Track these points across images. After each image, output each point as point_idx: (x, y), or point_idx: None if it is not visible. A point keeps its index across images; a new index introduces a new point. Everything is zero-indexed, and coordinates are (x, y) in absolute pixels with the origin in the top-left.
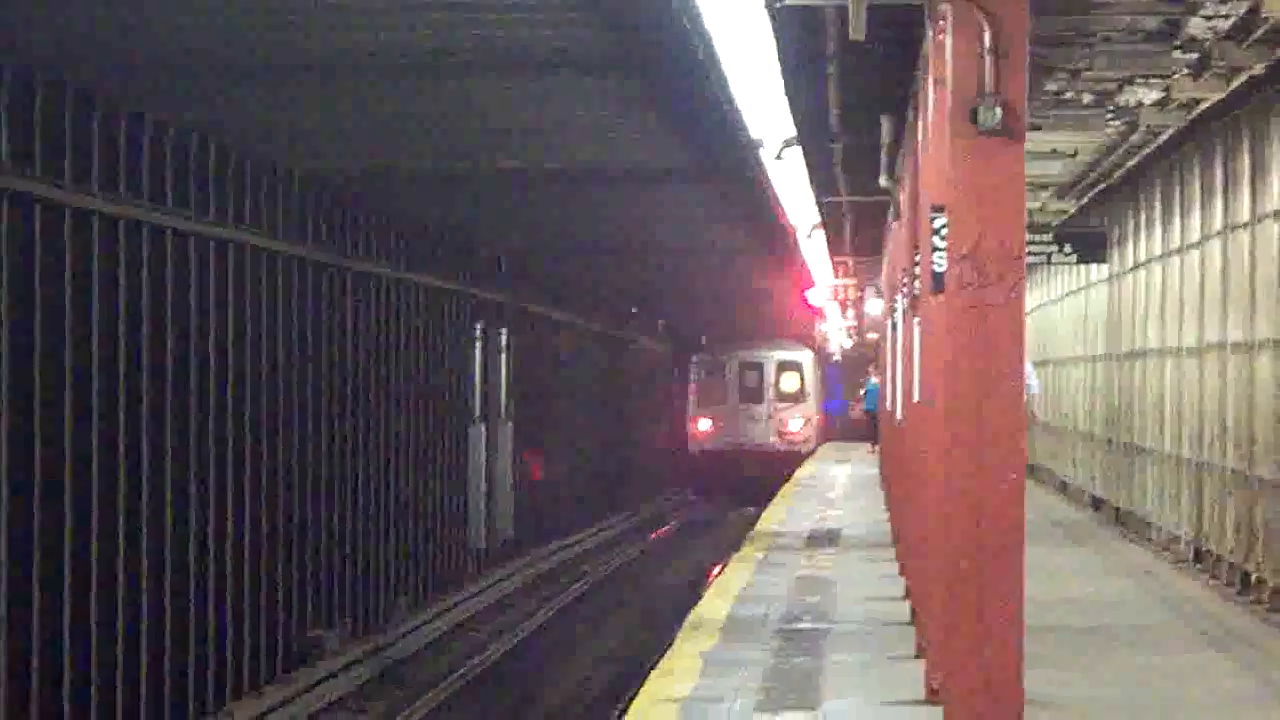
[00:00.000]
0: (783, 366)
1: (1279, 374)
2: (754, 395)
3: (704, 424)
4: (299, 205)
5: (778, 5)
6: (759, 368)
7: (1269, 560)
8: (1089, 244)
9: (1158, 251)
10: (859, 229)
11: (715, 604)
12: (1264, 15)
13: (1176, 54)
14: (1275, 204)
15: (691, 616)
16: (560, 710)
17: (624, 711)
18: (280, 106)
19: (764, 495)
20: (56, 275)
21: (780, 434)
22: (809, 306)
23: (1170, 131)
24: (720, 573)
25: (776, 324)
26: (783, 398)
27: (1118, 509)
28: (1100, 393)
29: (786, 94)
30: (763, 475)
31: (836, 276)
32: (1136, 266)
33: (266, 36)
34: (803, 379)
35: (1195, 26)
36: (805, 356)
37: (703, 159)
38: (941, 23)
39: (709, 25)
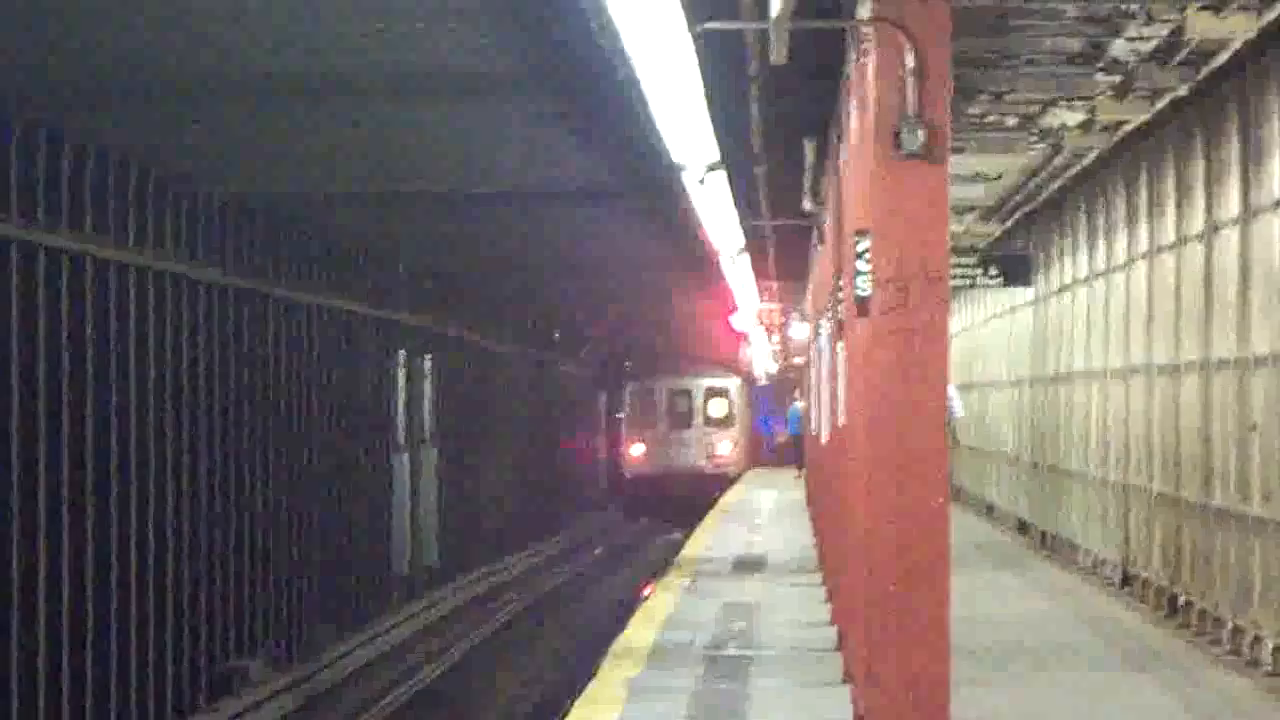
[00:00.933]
0: (711, 393)
1: (1204, 396)
2: (684, 421)
3: (636, 449)
4: (217, 230)
5: (699, 28)
6: (688, 394)
7: (1196, 584)
8: (1014, 267)
9: (1083, 274)
10: (784, 253)
11: (641, 631)
12: (1187, 37)
13: (1100, 76)
14: (1200, 226)
15: (617, 643)
16: None
17: None
18: (198, 129)
19: (694, 516)
20: None
21: (709, 457)
22: (734, 331)
23: (1094, 154)
24: (646, 599)
25: (701, 348)
26: (710, 423)
27: (1044, 533)
28: (1026, 416)
29: (710, 117)
30: (693, 496)
31: (762, 300)
32: (1062, 289)
33: (185, 59)
34: (730, 404)
35: (1118, 49)
36: (733, 383)
37: (625, 181)
38: (864, 45)
39: (629, 47)
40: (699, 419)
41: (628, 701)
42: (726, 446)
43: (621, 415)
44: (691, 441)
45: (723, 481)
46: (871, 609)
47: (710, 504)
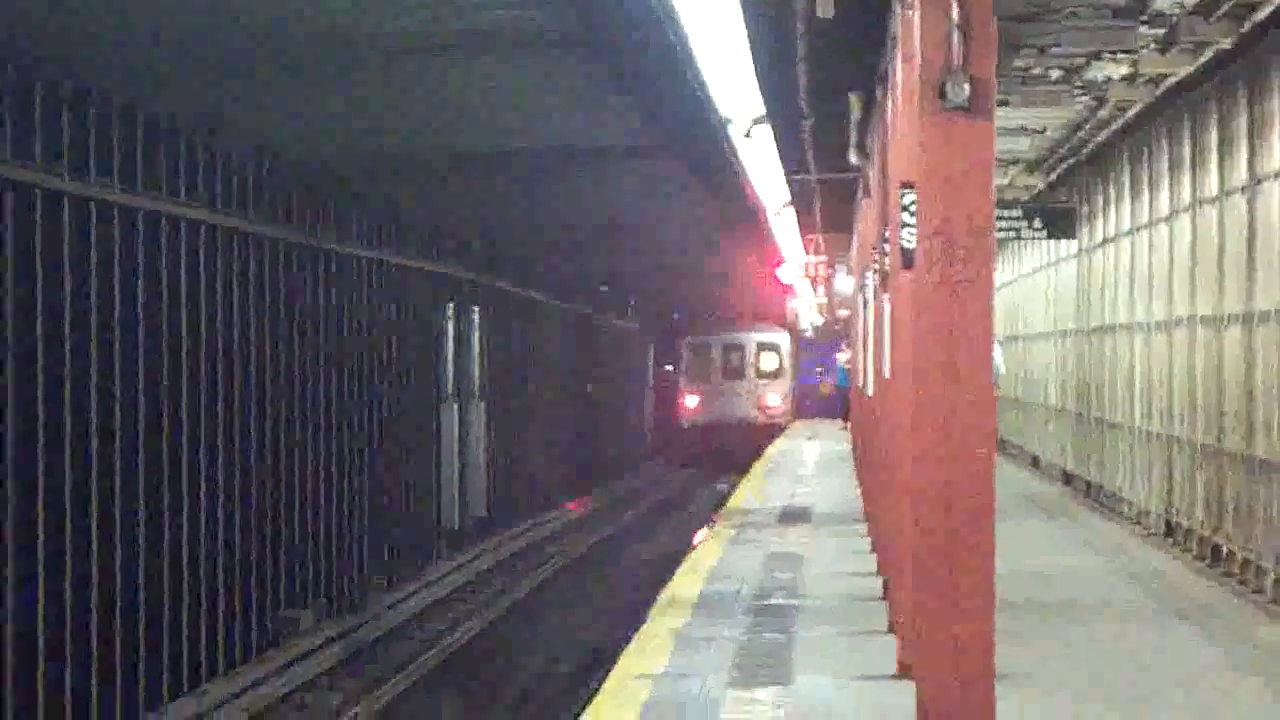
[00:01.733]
0: (762, 347)
1: (1248, 348)
2: (737, 373)
3: (692, 400)
4: (269, 186)
5: None
6: (741, 349)
7: (1238, 534)
8: (1058, 219)
9: (1126, 227)
10: (829, 206)
11: (687, 582)
12: None
13: (1143, 29)
14: (1243, 179)
15: (664, 594)
16: (534, 687)
17: (597, 688)
18: (249, 90)
19: (743, 464)
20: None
21: (760, 408)
22: (780, 284)
23: (1138, 107)
24: (692, 550)
25: (748, 303)
26: (762, 375)
27: (1088, 483)
28: (1070, 368)
29: (755, 72)
30: (744, 444)
31: (807, 253)
32: (1105, 241)
33: (241, 20)
34: (780, 358)
35: (1162, 1)
36: (782, 338)
37: (672, 137)
38: None
39: (675, 2)
40: (751, 372)
41: (674, 651)
42: (776, 399)
43: (676, 369)
44: (744, 393)
45: (773, 430)
46: (916, 560)
47: (757, 453)
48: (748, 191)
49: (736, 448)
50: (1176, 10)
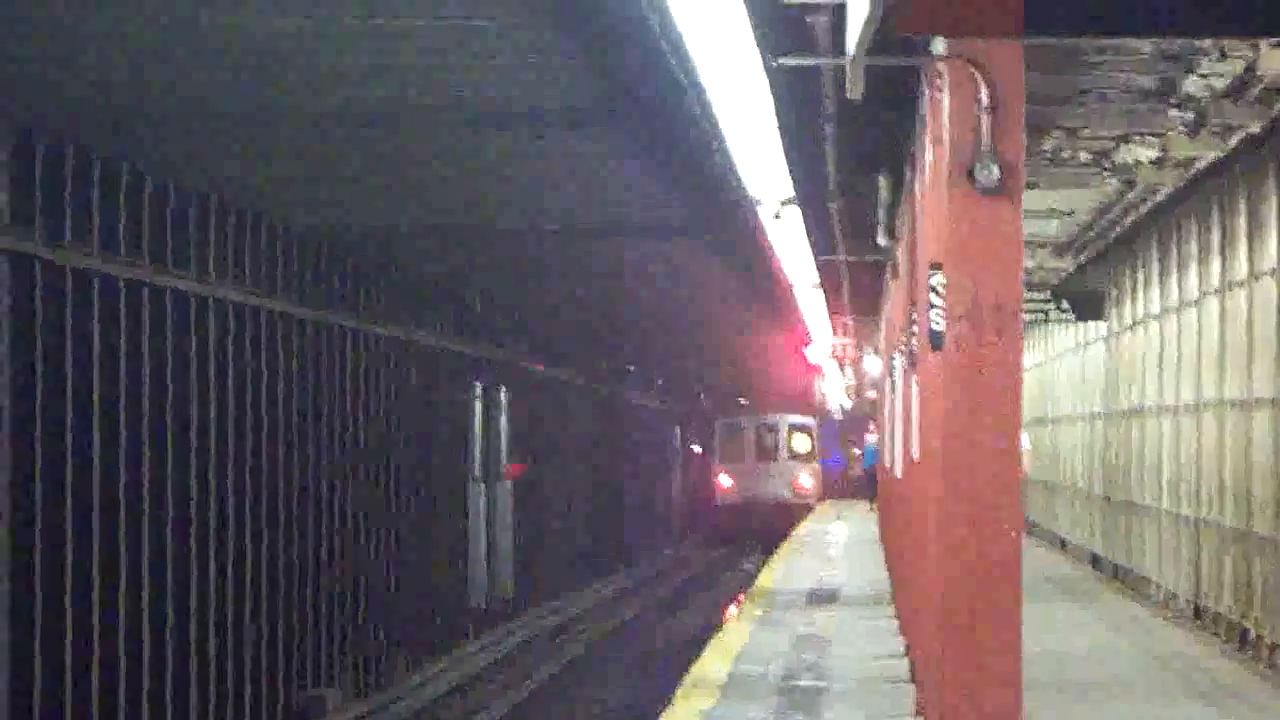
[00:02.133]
0: (794, 429)
1: (1276, 432)
2: (770, 455)
3: (725, 480)
4: (297, 263)
5: (774, 64)
6: (774, 430)
7: (1267, 617)
8: (1087, 302)
9: (1155, 309)
10: (857, 287)
11: (714, 662)
12: (1260, 74)
13: (1173, 112)
14: (1272, 262)
15: (691, 675)
16: None
17: None
18: (278, 162)
19: (769, 545)
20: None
21: (792, 488)
22: (807, 364)
23: (1167, 190)
24: (719, 631)
25: (776, 383)
26: (794, 456)
27: (1116, 566)
28: (1098, 450)
29: (784, 152)
30: (778, 522)
31: (835, 335)
32: (1134, 324)
33: (265, 93)
34: (812, 440)
35: (1192, 85)
36: (812, 421)
37: (700, 216)
38: (938, 81)
39: (704, 81)
40: (784, 453)
41: None
42: (808, 479)
43: (708, 449)
44: (777, 474)
45: (804, 510)
46: (943, 641)
47: (785, 534)
48: (776, 272)
49: (770, 526)
50: (1206, 94)
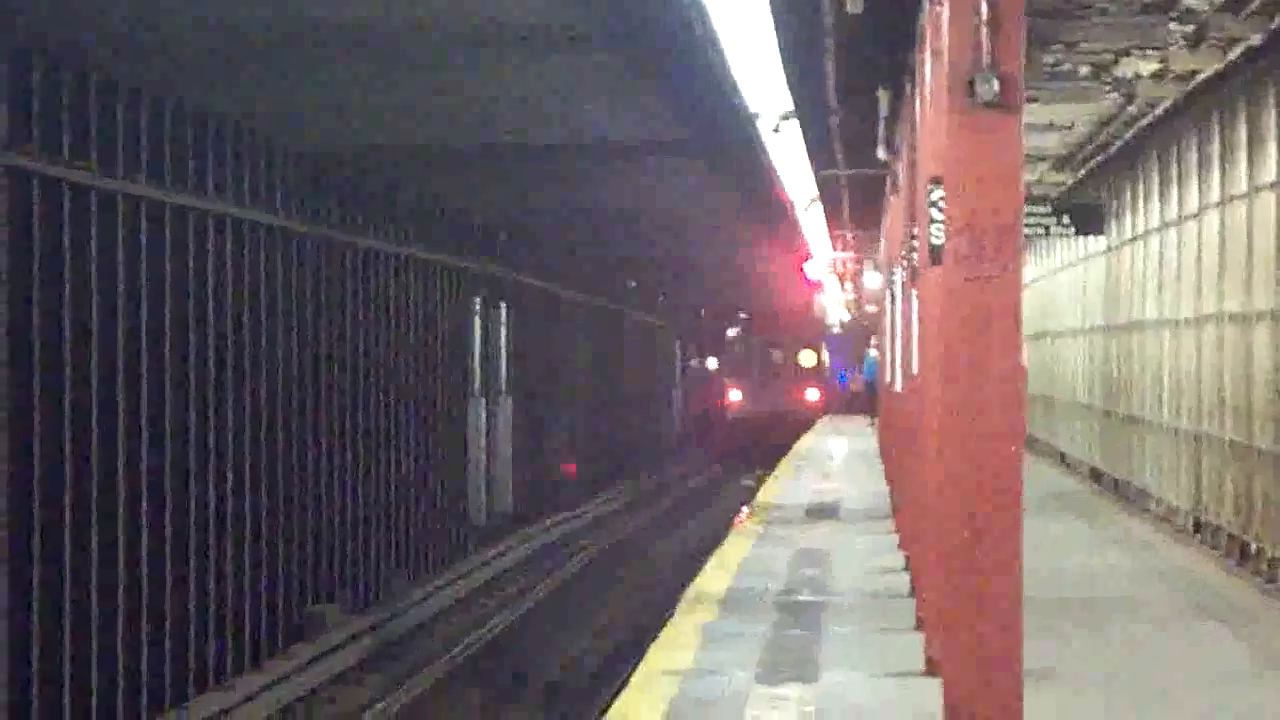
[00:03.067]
0: (801, 346)
1: (1276, 345)
2: (777, 370)
3: (735, 395)
4: (298, 181)
5: None
6: (781, 346)
7: (1267, 531)
8: (1087, 216)
9: (1155, 223)
10: (857, 202)
11: (714, 577)
12: None
13: (1173, 25)
14: (1272, 175)
15: (691, 590)
16: (561, 682)
17: (624, 683)
18: (276, 83)
19: (770, 460)
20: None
21: (800, 401)
22: (807, 280)
23: (1167, 103)
24: (720, 546)
25: (777, 299)
26: (799, 372)
27: (1116, 480)
28: (1099, 365)
29: (783, 67)
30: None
31: (835, 250)
32: (1134, 238)
33: (263, 12)
34: (819, 357)
35: None
36: (818, 339)
37: (699, 132)
38: None
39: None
40: (790, 368)
41: (701, 647)
42: (814, 393)
43: (722, 364)
44: (782, 388)
45: (813, 418)
46: (943, 556)
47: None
48: (775, 187)
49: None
50: (1205, 6)
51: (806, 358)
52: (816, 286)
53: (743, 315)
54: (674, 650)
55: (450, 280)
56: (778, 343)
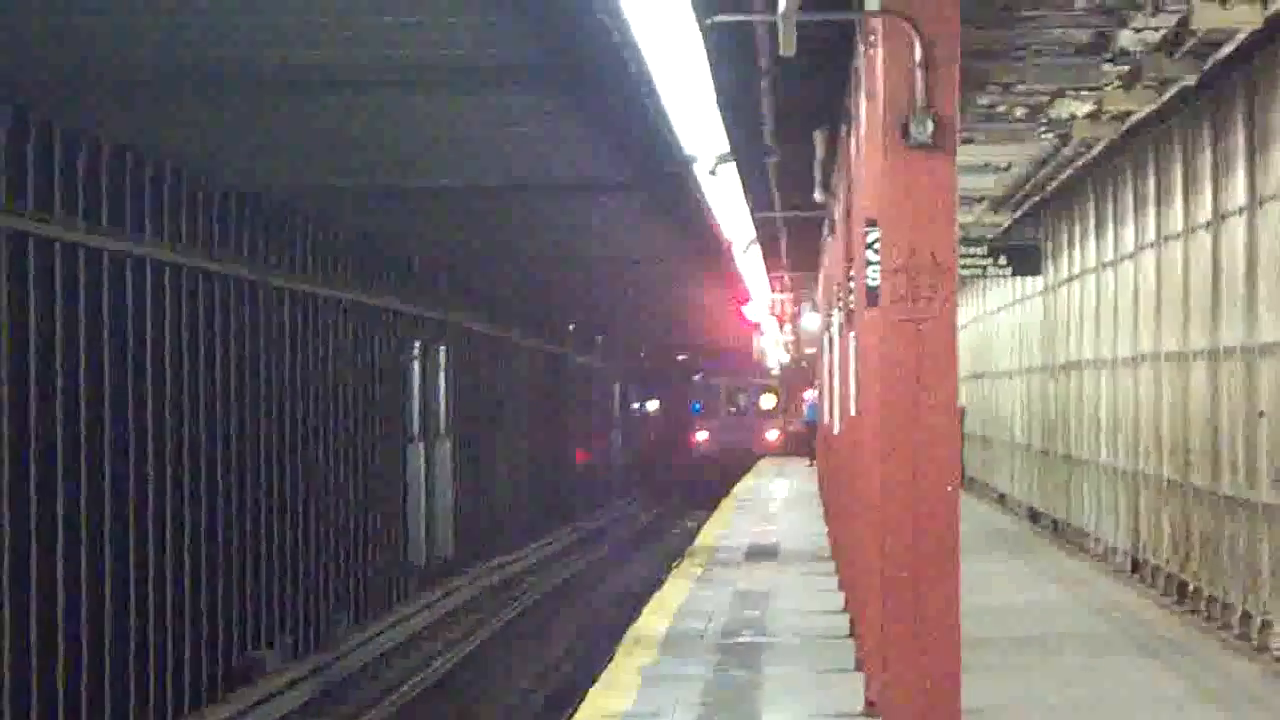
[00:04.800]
0: (762, 390)
1: (1213, 384)
2: (742, 411)
3: (701, 434)
4: (234, 223)
5: (709, 21)
6: (745, 390)
7: (1205, 570)
8: (1023, 256)
9: (1092, 263)
10: (795, 244)
11: (654, 619)
12: (1193, 27)
13: (1107, 66)
14: (1207, 215)
15: (631, 632)
16: None
17: None
18: (211, 122)
19: (713, 502)
20: None
21: (761, 441)
22: (745, 321)
23: (1103, 144)
24: (660, 588)
25: (715, 340)
26: (760, 414)
27: (1055, 520)
28: (1036, 405)
29: (720, 109)
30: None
31: (774, 291)
32: (1071, 278)
33: (198, 53)
34: (777, 399)
35: (1126, 39)
36: (776, 382)
37: (636, 173)
38: (872, 37)
39: (639, 39)
40: (753, 410)
41: (641, 689)
42: (774, 433)
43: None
44: (746, 427)
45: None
46: (882, 595)
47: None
48: (713, 229)
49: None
50: (1140, 48)
51: (766, 400)
52: (754, 328)
53: (680, 358)
54: (614, 692)
55: (389, 324)
56: (743, 387)
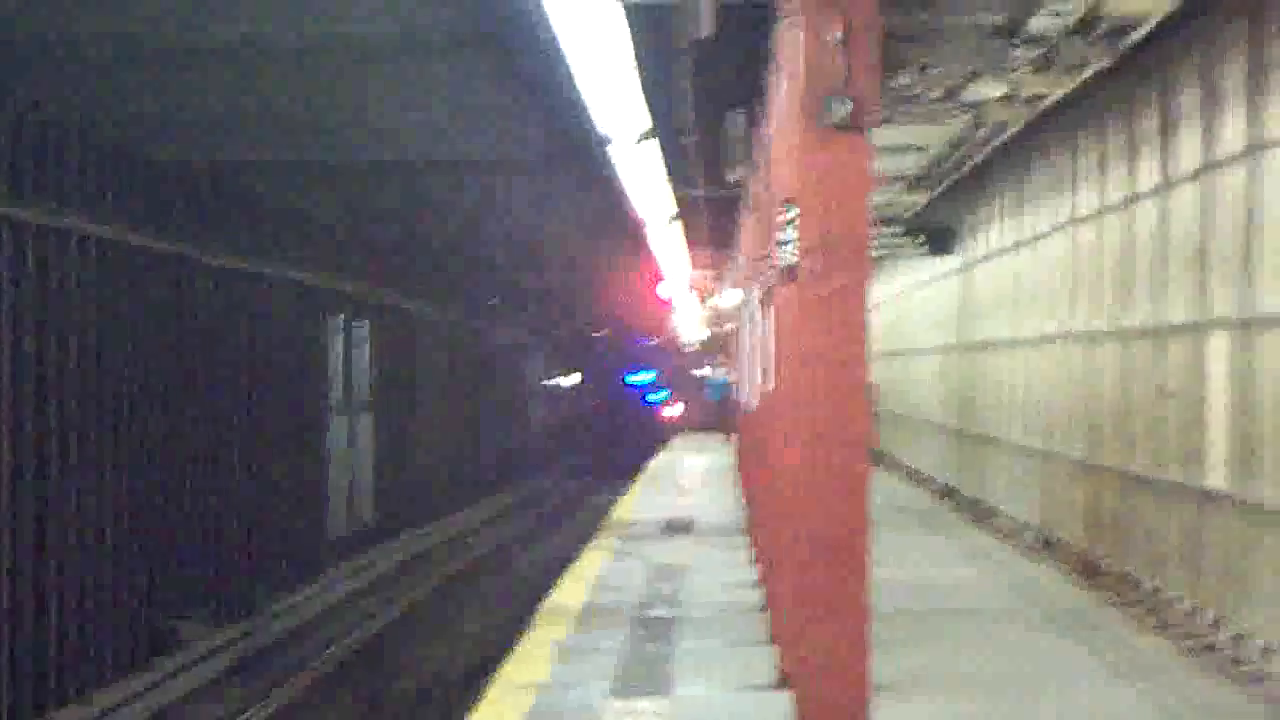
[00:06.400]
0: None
1: (1121, 365)
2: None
3: (669, 412)
4: (152, 195)
5: (628, 1)
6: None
7: (1114, 548)
8: (938, 236)
9: (1007, 243)
10: (716, 222)
11: (570, 592)
12: (1107, 10)
13: (1021, 50)
14: (1119, 197)
15: (547, 604)
16: (417, 696)
17: (479, 698)
18: (130, 94)
19: (631, 475)
20: None
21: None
22: (660, 300)
23: (1017, 127)
24: (576, 561)
25: (635, 318)
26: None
27: (968, 498)
28: (951, 383)
29: (641, 88)
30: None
31: (695, 268)
32: (986, 258)
33: (118, 24)
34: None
35: (1038, 23)
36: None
37: (555, 150)
38: (790, 17)
39: (555, 15)
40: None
41: (556, 662)
42: (676, 408)
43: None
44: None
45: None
46: (794, 570)
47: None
48: (631, 208)
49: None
50: (1053, 31)
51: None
52: (668, 305)
53: (596, 334)
54: (530, 664)
55: (311, 299)
56: (699, 364)
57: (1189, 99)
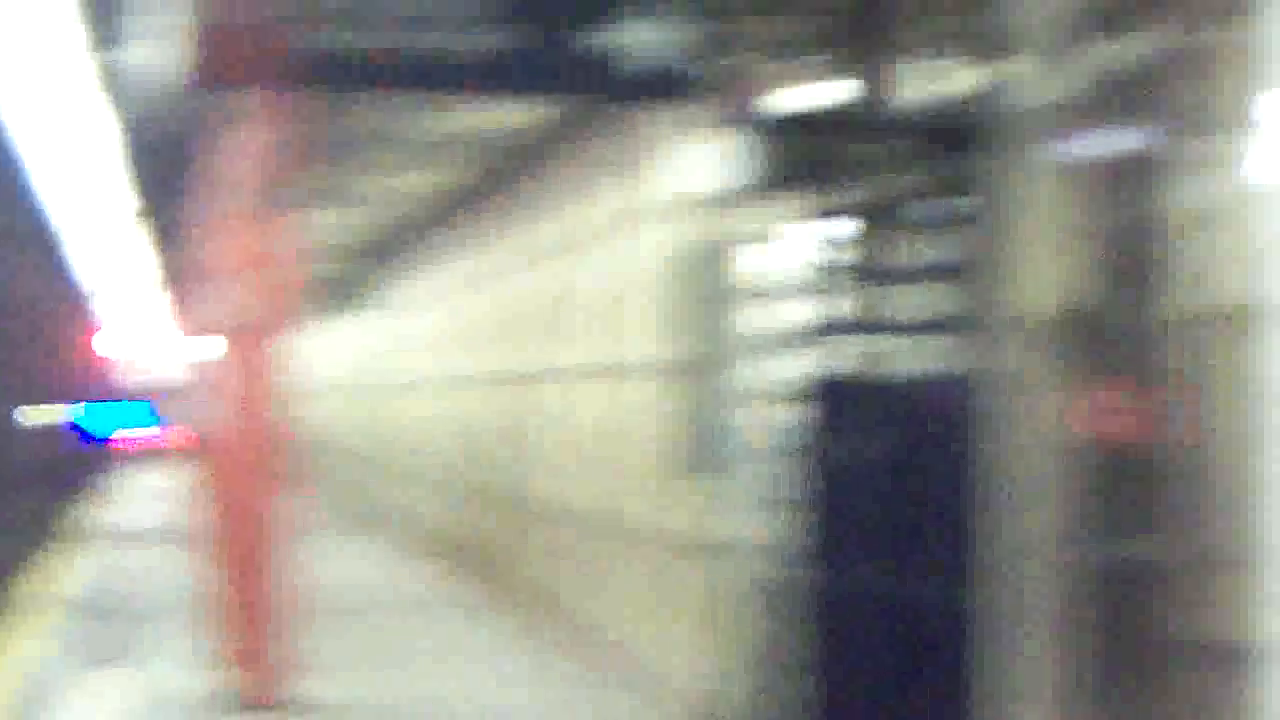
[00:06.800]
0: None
1: (486, 403)
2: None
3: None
4: None
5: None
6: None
7: (503, 557)
8: (351, 298)
9: (419, 300)
10: (181, 290)
11: (32, 587)
12: (468, 125)
13: (410, 152)
14: (491, 268)
15: (14, 594)
16: None
17: None
18: None
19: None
20: None
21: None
22: (97, 356)
23: (418, 209)
24: (38, 562)
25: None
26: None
27: (389, 515)
28: (379, 416)
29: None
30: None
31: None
32: (400, 313)
33: None
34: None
35: (423, 131)
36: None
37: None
38: (231, 119)
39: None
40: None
41: (32, 639)
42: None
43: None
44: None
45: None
46: (230, 575)
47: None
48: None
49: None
50: (440, 138)
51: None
52: (108, 361)
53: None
54: None
55: None
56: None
57: (545, 201)
